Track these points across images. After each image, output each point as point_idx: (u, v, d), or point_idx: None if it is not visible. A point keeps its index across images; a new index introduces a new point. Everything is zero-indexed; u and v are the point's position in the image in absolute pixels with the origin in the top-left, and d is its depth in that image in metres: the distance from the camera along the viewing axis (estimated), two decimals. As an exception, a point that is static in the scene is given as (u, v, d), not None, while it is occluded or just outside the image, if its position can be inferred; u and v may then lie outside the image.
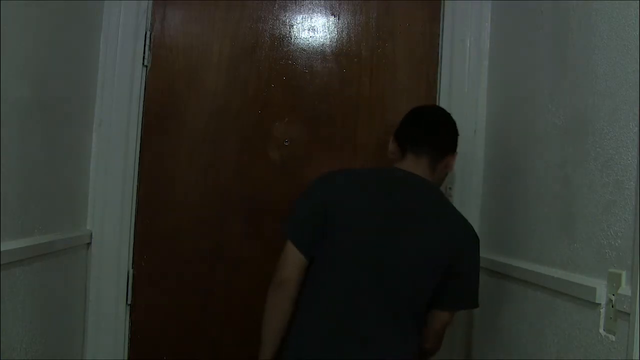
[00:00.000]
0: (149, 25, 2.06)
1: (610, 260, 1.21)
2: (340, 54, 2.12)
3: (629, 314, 1.10)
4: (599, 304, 1.22)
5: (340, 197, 1.63)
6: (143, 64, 2.05)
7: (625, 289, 1.14)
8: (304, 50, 2.12)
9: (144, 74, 2.06)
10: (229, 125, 2.11)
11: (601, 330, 1.21)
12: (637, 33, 1.17)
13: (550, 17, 1.60)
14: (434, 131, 1.73)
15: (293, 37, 2.12)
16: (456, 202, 2.04)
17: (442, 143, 1.73)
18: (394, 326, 1.59)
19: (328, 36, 2.13)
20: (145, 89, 2.07)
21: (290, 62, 2.11)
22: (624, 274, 1.16)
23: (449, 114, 1.78)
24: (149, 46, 2.06)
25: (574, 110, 1.43)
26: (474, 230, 1.67)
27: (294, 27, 2.13)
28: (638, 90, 1.15)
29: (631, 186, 1.15)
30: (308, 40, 2.12)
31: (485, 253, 1.96)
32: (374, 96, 2.12)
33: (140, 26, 2.05)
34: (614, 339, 1.17)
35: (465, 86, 2.07)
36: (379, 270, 1.57)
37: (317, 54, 2.12)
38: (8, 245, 1.38)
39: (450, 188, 2.07)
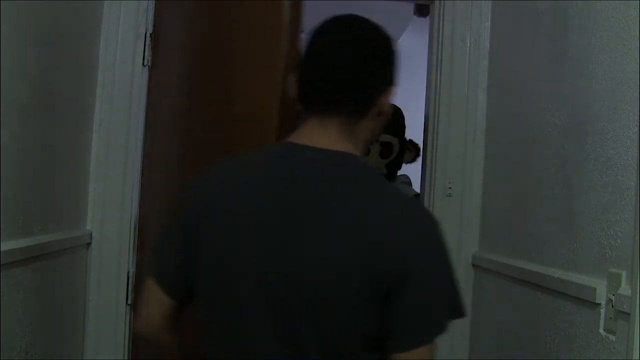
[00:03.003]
0: (149, 25, 2.06)
1: (610, 260, 1.21)
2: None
3: (629, 314, 1.10)
4: (599, 304, 1.22)
5: (214, 208, 1.10)
6: (143, 64, 2.05)
7: (625, 289, 1.14)
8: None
9: (144, 74, 2.06)
10: (227, 126, 2.10)
11: (601, 330, 1.21)
12: (637, 33, 1.17)
13: (550, 17, 1.60)
14: (340, 75, 1.09)
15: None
16: (456, 202, 2.04)
17: (359, 89, 1.10)
18: None
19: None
20: (145, 88, 2.07)
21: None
22: (624, 274, 1.16)
23: (367, 26, 1.15)
24: (149, 46, 2.06)
25: (574, 110, 1.43)
26: (432, 222, 1.10)
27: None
28: (638, 90, 1.15)
29: (631, 186, 1.15)
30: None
31: (485, 253, 1.96)
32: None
33: (140, 26, 2.05)
34: (614, 339, 1.17)
35: (465, 86, 2.07)
36: (271, 306, 1.03)
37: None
38: (8, 245, 1.38)
39: (450, 188, 2.07)
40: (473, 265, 2.03)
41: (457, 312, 1.09)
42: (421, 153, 2.38)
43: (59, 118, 1.70)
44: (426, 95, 2.20)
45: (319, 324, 1.01)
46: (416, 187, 2.36)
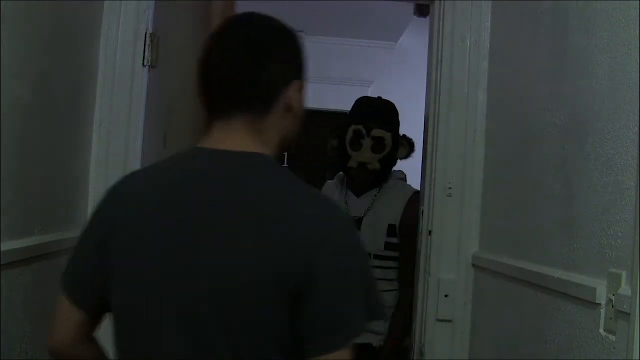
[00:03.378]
0: (149, 25, 2.06)
1: (610, 260, 1.21)
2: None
3: (629, 314, 1.10)
4: (599, 304, 1.22)
5: (123, 217, 1.08)
6: (143, 64, 2.05)
7: (625, 289, 1.14)
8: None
9: (144, 74, 2.06)
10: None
11: (601, 330, 1.21)
12: (637, 33, 1.17)
13: (550, 17, 1.60)
14: (233, 68, 1.09)
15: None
16: (456, 202, 2.04)
17: (252, 86, 1.08)
18: None
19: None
20: (145, 89, 2.07)
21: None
22: (624, 274, 1.16)
23: (261, 22, 1.13)
24: (149, 46, 2.06)
25: (574, 110, 1.43)
26: (339, 222, 1.06)
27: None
28: (638, 90, 1.15)
29: (631, 186, 1.15)
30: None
31: (485, 253, 1.96)
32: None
33: (140, 26, 2.05)
34: (614, 339, 1.17)
35: (465, 86, 2.07)
36: (181, 315, 1.01)
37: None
38: (8, 245, 1.38)
39: (450, 188, 2.07)
40: (473, 265, 2.03)
41: (375, 313, 1.05)
42: (415, 149, 2.36)
43: (59, 118, 1.70)
44: (426, 95, 2.20)
45: (230, 331, 0.99)
46: (416, 186, 2.35)
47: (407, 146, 2.39)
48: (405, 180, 2.52)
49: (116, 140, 2.02)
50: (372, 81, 5.44)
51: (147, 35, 2.06)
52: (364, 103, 2.43)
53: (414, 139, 2.44)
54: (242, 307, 0.99)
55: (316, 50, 5.67)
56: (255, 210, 1.01)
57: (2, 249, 1.33)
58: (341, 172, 2.46)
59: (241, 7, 2.12)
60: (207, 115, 1.13)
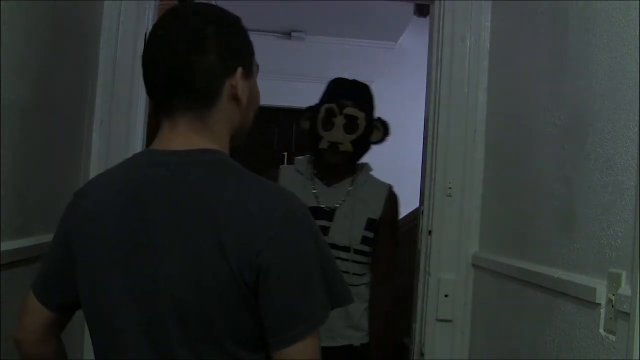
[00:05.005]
0: (149, 25, 2.06)
1: (610, 260, 1.21)
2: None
3: (629, 314, 1.10)
4: (599, 304, 1.22)
5: (83, 223, 1.08)
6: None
7: (625, 289, 1.14)
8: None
9: (144, 74, 2.06)
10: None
11: (601, 330, 1.21)
12: (637, 33, 1.17)
13: (550, 17, 1.60)
14: (166, 62, 1.05)
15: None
16: (456, 202, 2.04)
17: (189, 79, 1.04)
18: None
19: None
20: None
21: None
22: (624, 274, 1.16)
23: (196, 12, 1.08)
24: (149, 46, 2.06)
25: (574, 110, 1.43)
26: (289, 213, 1.02)
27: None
28: (638, 90, 1.15)
29: (631, 186, 1.15)
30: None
31: (485, 253, 1.96)
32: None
33: (140, 26, 2.05)
34: (614, 339, 1.17)
35: (465, 86, 2.07)
36: (140, 318, 1.02)
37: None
38: (8, 245, 1.38)
39: (450, 188, 2.07)
40: (473, 265, 2.03)
41: (339, 299, 1.04)
42: (390, 132, 2.24)
43: (59, 118, 1.70)
44: (426, 95, 2.20)
45: (190, 334, 0.99)
46: (416, 186, 2.33)
47: (381, 129, 2.24)
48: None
49: (116, 140, 2.02)
50: (372, 81, 5.41)
51: (147, 35, 2.06)
52: (338, 83, 2.30)
53: (414, 141, 2.39)
54: (200, 309, 0.99)
55: (316, 50, 5.70)
56: (203, 211, 0.99)
57: (2, 249, 1.33)
58: (302, 157, 2.32)
59: (242, 7, 2.12)
60: (156, 114, 1.10)
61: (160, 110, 1.08)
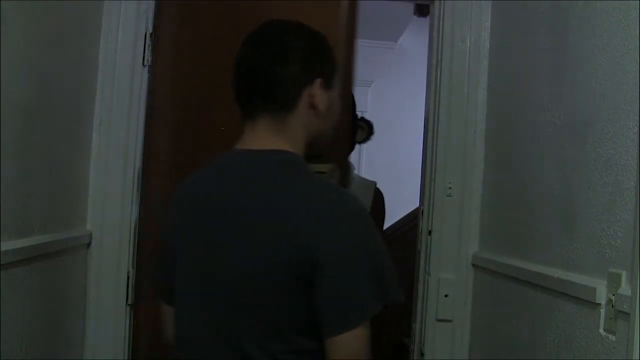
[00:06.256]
0: (149, 25, 2.06)
1: (610, 260, 1.21)
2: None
3: (629, 314, 1.10)
4: (599, 304, 1.22)
5: (179, 218, 1.24)
6: (143, 64, 2.05)
7: (625, 289, 1.14)
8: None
9: (144, 74, 2.06)
10: (221, 124, 2.11)
11: (601, 330, 1.21)
12: (637, 33, 1.17)
13: (550, 17, 1.60)
14: (253, 70, 1.18)
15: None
16: (456, 202, 2.04)
17: (271, 85, 1.16)
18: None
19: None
20: (145, 89, 2.07)
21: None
22: (624, 274, 1.16)
23: (284, 26, 1.22)
24: (149, 46, 2.06)
25: (574, 110, 1.43)
26: (346, 210, 1.11)
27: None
28: (638, 90, 1.15)
29: (631, 186, 1.15)
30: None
31: (485, 253, 1.96)
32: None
33: (140, 26, 2.05)
34: (614, 339, 1.17)
35: (465, 86, 2.07)
36: (214, 303, 1.14)
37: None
38: (8, 245, 1.38)
39: (450, 188, 2.07)
40: (473, 265, 2.03)
41: (388, 297, 1.10)
42: (374, 131, 2.22)
43: (59, 118, 1.70)
44: (426, 95, 2.20)
45: (252, 315, 1.10)
46: (416, 186, 2.33)
47: (366, 129, 2.23)
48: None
49: (116, 140, 2.02)
50: (372, 81, 5.44)
51: (147, 36, 2.06)
52: None
53: (414, 141, 2.40)
54: (260, 293, 1.09)
55: (316, 50, 5.69)
56: (268, 207, 1.10)
57: (2, 249, 1.33)
58: None
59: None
60: (241, 117, 1.21)
61: (244, 114, 1.20)
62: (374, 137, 2.57)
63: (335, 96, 1.24)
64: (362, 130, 2.17)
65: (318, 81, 1.18)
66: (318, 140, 1.23)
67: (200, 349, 1.15)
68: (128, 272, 2.05)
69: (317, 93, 1.17)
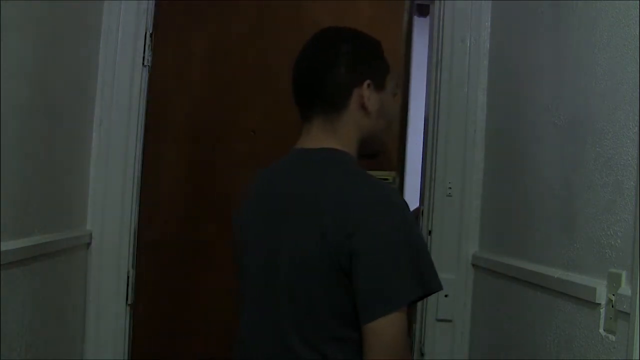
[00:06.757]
0: (149, 25, 2.06)
1: (610, 260, 1.21)
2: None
3: (629, 314, 1.10)
4: (599, 304, 1.22)
5: (242, 215, 1.33)
6: (143, 64, 2.05)
7: (625, 289, 1.14)
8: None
9: (144, 74, 2.06)
10: (221, 124, 2.11)
11: (601, 330, 1.21)
12: (637, 33, 1.17)
13: (550, 16, 1.60)
14: (305, 74, 1.28)
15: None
16: (456, 202, 2.04)
17: (322, 87, 1.25)
18: (307, 348, 1.17)
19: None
20: (145, 89, 2.07)
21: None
22: (624, 274, 1.16)
23: (337, 32, 1.32)
24: (149, 46, 2.06)
25: (574, 110, 1.43)
26: (381, 202, 1.16)
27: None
28: (638, 90, 1.15)
29: (631, 186, 1.15)
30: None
31: (485, 253, 1.96)
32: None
33: (140, 26, 2.05)
34: (614, 339, 1.17)
35: (465, 86, 2.07)
36: (265, 292, 1.23)
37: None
38: (8, 245, 1.37)
39: (450, 188, 2.07)
40: (473, 265, 2.03)
41: (426, 285, 1.15)
42: None
43: (59, 118, 1.70)
44: (426, 95, 2.20)
45: (296, 306, 1.17)
46: (416, 186, 2.33)
47: None
48: None
49: (116, 140, 2.02)
50: (372, 81, 5.44)
51: (147, 35, 2.06)
52: None
53: (413, 140, 2.41)
54: (304, 288, 1.16)
55: (316, 50, 5.69)
56: (315, 199, 1.18)
57: (2, 249, 1.32)
58: None
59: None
60: (300, 118, 1.30)
61: (302, 116, 1.29)
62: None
63: (387, 97, 1.30)
64: None
65: (367, 82, 1.25)
66: (371, 140, 1.30)
67: (253, 342, 1.24)
68: (128, 272, 2.05)
69: (366, 94, 1.25)
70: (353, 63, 1.26)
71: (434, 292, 1.18)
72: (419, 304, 2.07)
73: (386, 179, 2.10)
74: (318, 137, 1.26)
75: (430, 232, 2.06)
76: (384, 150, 1.41)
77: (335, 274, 1.13)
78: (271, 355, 1.20)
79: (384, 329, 1.11)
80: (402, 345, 1.14)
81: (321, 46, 1.29)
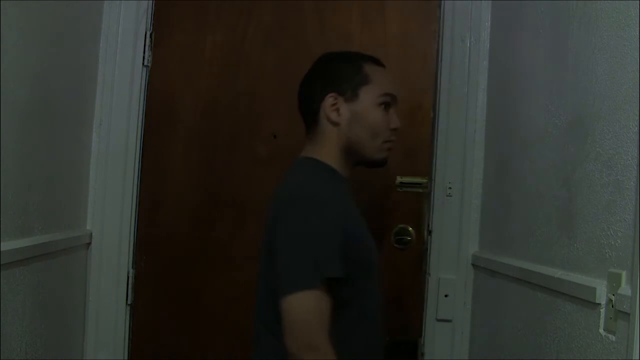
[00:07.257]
0: (149, 25, 2.06)
1: (610, 260, 1.21)
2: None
3: (629, 314, 1.10)
4: (599, 304, 1.22)
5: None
6: (143, 64, 2.05)
7: (625, 289, 1.14)
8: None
9: (144, 74, 2.06)
10: (221, 124, 2.11)
11: (601, 330, 1.21)
12: (637, 33, 1.17)
13: (550, 17, 1.60)
14: (298, 93, 1.50)
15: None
16: (456, 202, 2.04)
17: (305, 103, 1.47)
18: (265, 330, 1.39)
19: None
20: (145, 89, 2.07)
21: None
22: (624, 274, 1.16)
23: (326, 54, 1.51)
24: (149, 46, 2.06)
25: (574, 110, 1.43)
26: (294, 197, 1.35)
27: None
28: (638, 90, 1.15)
29: (631, 186, 1.15)
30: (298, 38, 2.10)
31: (485, 253, 1.96)
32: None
33: (140, 26, 2.05)
34: (614, 339, 1.17)
35: (465, 86, 2.07)
36: (257, 281, 1.46)
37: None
38: (8, 245, 1.38)
39: (450, 188, 2.07)
40: (473, 265, 2.03)
41: (322, 268, 1.27)
42: None
43: (59, 118, 1.71)
44: (426, 95, 2.19)
45: (259, 293, 1.42)
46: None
47: None
48: None
49: (116, 140, 2.02)
50: (372, 81, 5.44)
51: (147, 35, 2.06)
52: None
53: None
54: (262, 269, 1.39)
55: (316, 50, 5.69)
56: (273, 200, 1.37)
57: (2, 249, 1.33)
58: None
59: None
60: None
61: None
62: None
63: (364, 107, 1.41)
64: None
65: (329, 96, 1.40)
66: (358, 149, 1.42)
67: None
68: (128, 272, 2.05)
69: (328, 106, 1.40)
70: (322, 80, 1.43)
71: (331, 277, 1.27)
72: (419, 304, 2.07)
73: (419, 183, 2.09)
74: (305, 147, 1.45)
75: (430, 232, 2.06)
76: (380, 158, 1.46)
77: (271, 260, 1.31)
78: (254, 339, 1.42)
79: (290, 308, 1.26)
80: (313, 326, 1.25)
81: (310, 69, 1.48)
